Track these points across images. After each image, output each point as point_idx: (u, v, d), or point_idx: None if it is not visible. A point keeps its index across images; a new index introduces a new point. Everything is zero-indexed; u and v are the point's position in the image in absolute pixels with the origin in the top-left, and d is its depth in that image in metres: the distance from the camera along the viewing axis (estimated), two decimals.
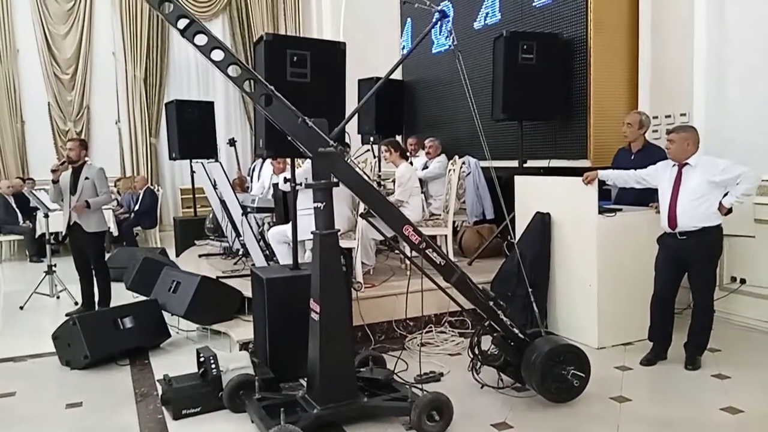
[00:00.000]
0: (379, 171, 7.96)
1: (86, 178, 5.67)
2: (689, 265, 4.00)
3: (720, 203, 3.91)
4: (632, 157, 4.90)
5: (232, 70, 3.05)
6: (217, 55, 3.01)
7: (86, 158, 5.85)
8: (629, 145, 5.03)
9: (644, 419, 3.35)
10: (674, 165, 4.03)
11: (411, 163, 7.38)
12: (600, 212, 4.44)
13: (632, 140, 4.97)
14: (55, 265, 6.62)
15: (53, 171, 5.63)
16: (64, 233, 5.88)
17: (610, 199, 5.10)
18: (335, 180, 3.19)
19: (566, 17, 5.93)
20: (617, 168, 4.62)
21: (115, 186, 10.87)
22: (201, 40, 2.97)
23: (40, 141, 11.70)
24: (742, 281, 4.93)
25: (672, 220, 3.98)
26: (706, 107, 5.05)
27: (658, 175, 4.15)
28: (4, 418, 3.67)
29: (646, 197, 4.54)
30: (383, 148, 6.15)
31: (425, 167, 7.00)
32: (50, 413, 3.71)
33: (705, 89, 5.06)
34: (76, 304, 6.07)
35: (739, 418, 3.32)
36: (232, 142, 8.39)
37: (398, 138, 8.63)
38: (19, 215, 9.84)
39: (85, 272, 5.83)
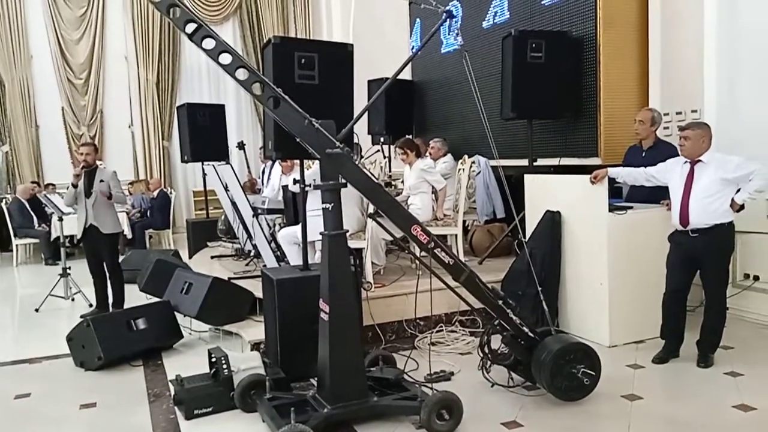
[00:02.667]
0: (390, 171, 7.98)
1: (101, 181, 5.75)
2: (701, 262, 3.98)
3: (732, 200, 3.88)
4: (643, 155, 4.87)
5: (240, 74, 3.08)
6: (225, 58, 3.04)
7: (99, 161, 5.94)
8: (640, 142, 5.00)
9: (656, 417, 3.33)
10: (686, 162, 4.00)
11: None
12: (610, 210, 4.42)
13: (644, 137, 4.94)
14: (69, 268, 6.68)
15: (76, 176, 5.73)
16: (79, 236, 5.95)
17: (621, 197, 5.08)
18: (343, 181, 3.21)
19: (575, 15, 5.91)
20: (628, 165, 4.60)
21: (127, 189, 10.96)
22: (209, 44, 3.00)
23: (54, 145, 11.87)
24: (756, 278, 4.89)
25: (684, 217, 3.95)
26: (718, 104, 5.01)
27: (668, 173, 4.12)
28: (19, 419, 3.73)
29: (658, 195, 4.51)
30: (398, 150, 6.10)
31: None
32: (65, 414, 3.76)
33: (716, 86, 5.03)
34: (91, 306, 6.13)
35: (752, 415, 3.30)
36: (241, 146, 8.43)
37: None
38: (35, 219, 9.95)
39: (99, 274, 5.89)
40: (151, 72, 12.27)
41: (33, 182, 11.16)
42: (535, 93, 5.68)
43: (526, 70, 5.68)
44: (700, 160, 3.93)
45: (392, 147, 6.30)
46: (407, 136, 7.38)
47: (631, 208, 4.56)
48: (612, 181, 4.47)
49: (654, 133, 4.93)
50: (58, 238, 7.38)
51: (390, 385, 3.53)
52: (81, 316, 5.18)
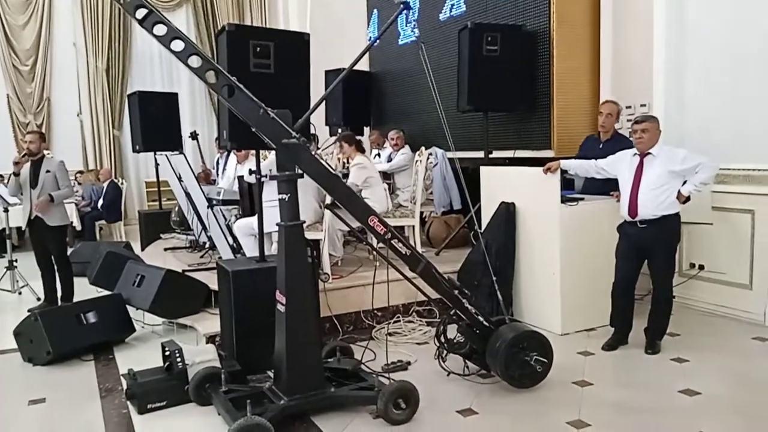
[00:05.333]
0: (347, 162, 7.95)
1: (47, 171, 5.57)
2: (649, 252, 4.09)
3: (679, 192, 3.99)
4: (600, 146, 4.95)
5: (193, 61, 3.01)
6: (177, 45, 2.97)
7: (45, 151, 5.75)
8: (598, 133, 5.09)
9: (605, 402, 3.43)
10: (635, 155, 4.10)
11: (378, 155, 7.39)
12: (563, 201, 4.51)
13: (608, 130, 5.01)
14: (16, 261, 6.48)
15: (15, 164, 5.53)
16: (24, 227, 5.76)
17: (573, 189, 5.19)
18: (299, 171, 3.19)
19: (529, 9, 5.99)
20: (584, 155, 4.67)
21: (75, 179, 10.65)
22: (160, 30, 2.93)
23: None
24: (701, 267, 5.06)
25: (633, 209, 4.06)
26: (666, 99, 5.16)
27: (617, 165, 4.22)
28: None
29: (613, 186, 4.60)
30: (336, 144, 6.05)
31: (389, 159, 7.02)
32: (13, 410, 3.65)
33: (664, 81, 5.17)
34: (39, 299, 5.96)
35: (696, 399, 3.43)
36: (194, 135, 8.28)
37: (366, 129, 8.64)
38: None
39: (47, 267, 5.72)
40: (100, 59, 11.91)
41: None
42: (490, 86, 5.74)
43: (481, 62, 5.73)
44: (649, 153, 4.04)
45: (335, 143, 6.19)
46: (349, 132, 7.36)
47: (582, 199, 4.66)
48: (563, 173, 4.56)
49: (613, 126, 5.03)
50: (3, 229, 7.14)
51: (347, 375, 3.54)
52: (29, 310, 5.02)
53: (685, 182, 4.00)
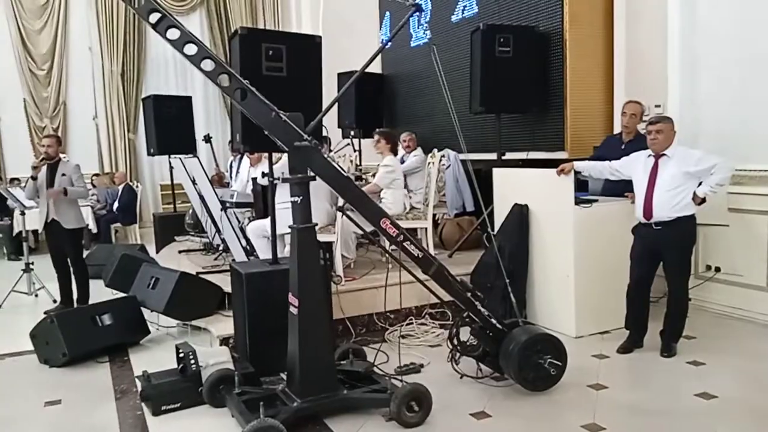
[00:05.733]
0: (360, 164, 7.97)
1: (63, 174, 5.64)
2: (664, 254, 4.06)
3: (694, 193, 3.96)
4: (623, 147, 4.84)
5: (207, 65, 3.04)
6: (191, 49, 3.00)
7: (61, 154, 5.82)
8: (621, 134, 5.04)
9: (620, 406, 3.40)
10: (650, 156, 4.07)
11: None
12: (576, 203, 4.49)
13: (631, 130, 4.93)
14: (32, 263, 6.55)
15: (34, 168, 5.60)
16: (41, 230, 5.82)
17: (587, 191, 5.15)
18: (311, 174, 3.20)
19: (542, 10, 5.97)
20: (603, 156, 4.61)
21: (91, 182, 10.75)
22: (173, 34, 2.95)
23: (16, 138, 11.54)
24: (717, 269, 5.01)
25: (648, 210, 4.02)
26: (680, 99, 5.12)
27: (632, 166, 4.19)
28: None
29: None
30: (376, 137, 6.09)
31: (402, 161, 7.01)
32: (29, 412, 3.68)
33: (679, 81, 5.13)
34: (55, 302, 6.02)
35: (713, 403, 3.39)
36: (207, 139, 8.33)
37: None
38: None
39: (63, 269, 5.79)
40: (115, 63, 12.02)
41: None
42: (503, 87, 5.73)
43: (494, 64, 5.72)
44: (664, 154, 4.00)
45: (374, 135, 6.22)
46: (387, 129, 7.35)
47: (596, 201, 4.63)
48: (577, 174, 4.53)
49: (636, 127, 4.97)
50: (20, 232, 7.21)
51: (360, 378, 3.54)
52: (45, 312, 5.08)
53: (700, 183, 3.96)
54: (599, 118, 5.81)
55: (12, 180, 10.81)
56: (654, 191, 4.00)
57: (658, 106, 5.31)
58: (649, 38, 5.38)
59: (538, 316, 4.78)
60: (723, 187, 4.15)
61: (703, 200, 3.99)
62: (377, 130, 6.20)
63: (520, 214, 4.83)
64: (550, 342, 3.56)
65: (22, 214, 6.73)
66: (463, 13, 7.11)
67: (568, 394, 3.53)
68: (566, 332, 4.43)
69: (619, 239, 4.36)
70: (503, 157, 6.06)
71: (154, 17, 2.93)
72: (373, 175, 6.29)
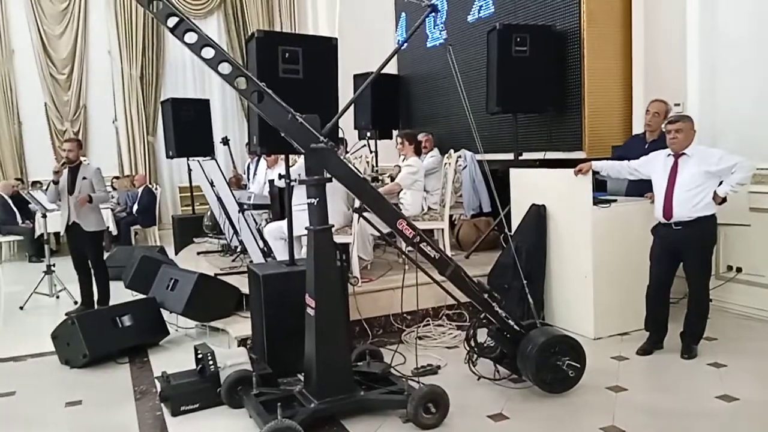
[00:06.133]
0: (376, 166, 7.97)
1: (84, 178, 5.71)
2: (684, 255, 4.00)
3: (714, 193, 3.90)
4: (646, 146, 4.78)
5: (224, 68, 3.06)
6: (208, 53, 3.02)
7: (82, 158, 5.89)
8: (644, 133, 4.98)
9: (640, 408, 3.37)
10: (669, 155, 4.02)
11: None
12: (595, 203, 4.45)
13: (654, 129, 4.86)
14: (54, 265, 6.64)
15: (56, 172, 5.68)
16: (62, 233, 5.90)
17: (606, 191, 5.11)
18: (328, 176, 3.20)
19: (558, 9, 5.93)
20: (625, 155, 4.54)
21: (111, 185, 10.88)
22: (191, 38, 2.98)
23: (37, 141, 11.76)
24: (738, 270, 4.94)
25: (667, 210, 3.98)
26: (700, 98, 5.06)
27: (651, 166, 4.14)
28: (4, 417, 3.69)
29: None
30: (398, 139, 6.08)
31: None
32: (50, 412, 3.73)
33: (698, 80, 5.07)
34: (76, 303, 6.09)
35: (734, 405, 3.34)
36: (225, 141, 8.39)
37: (394, 132, 8.63)
38: (18, 216, 9.85)
39: (83, 271, 5.86)
40: (134, 67, 12.17)
41: (17, 179, 11.05)
42: (519, 87, 5.69)
43: (510, 64, 5.69)
44: (684, 153, 3.95)
45: (395, 137, 6.20)
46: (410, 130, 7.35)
47: (614, 201, 4.59)
48: (595, 174, 4.49)
49: (660, 126, 4.91)
50: (42, 235, 7.32)
51: (377, 379, 3.54)
52: (66, 314, 5.14)
53: (721, 183, 3.91)
54: (618, 118, 5.76)
55: (34, 183, 10.98)
56: (674, 191, 3.95)
57: (677, 104, 5.24)
58: (668, 36, 5.32)
59: (556, 317, 4.74)
60: (744, 187, 4.08)
61: (724, 200, 3.93)
62: (399, 131, 6.18)
63: (537, 215, 4.80)
64: (569, 343, 3.53)
65: (44, 216, 6.83)
66: (479, 12, 7.08)
67: (586, 397, 3.50)
68: (585, 334, 4.39)
69: (638, 240, 4.33)
70: (520, 158, 6.03)
71: (172, 21, 2.95)
72: (390, 176, 6.30)
